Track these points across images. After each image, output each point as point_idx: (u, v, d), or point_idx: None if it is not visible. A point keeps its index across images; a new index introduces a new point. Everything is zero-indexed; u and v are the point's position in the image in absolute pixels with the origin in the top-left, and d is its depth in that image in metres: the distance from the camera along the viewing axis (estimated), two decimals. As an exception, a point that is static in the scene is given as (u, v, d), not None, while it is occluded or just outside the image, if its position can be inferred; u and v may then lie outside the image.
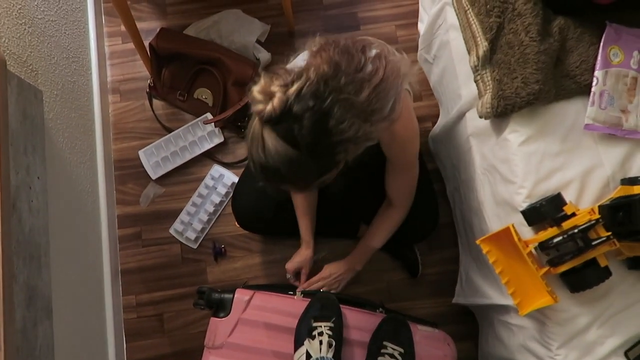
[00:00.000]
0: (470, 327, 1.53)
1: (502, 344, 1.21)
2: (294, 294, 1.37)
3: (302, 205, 1.37)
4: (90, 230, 1.51)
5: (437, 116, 1.58)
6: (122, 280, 1.61)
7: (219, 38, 1.67)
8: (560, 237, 0.92)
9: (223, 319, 1.33)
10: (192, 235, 1.61)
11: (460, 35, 1.20)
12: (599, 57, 1.03)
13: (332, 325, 1.23)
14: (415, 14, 1.69)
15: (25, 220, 1.10)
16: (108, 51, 1.75)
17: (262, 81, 0.83)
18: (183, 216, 1.62)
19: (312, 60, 0.86)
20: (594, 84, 1.02)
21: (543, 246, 0.95)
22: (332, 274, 1.42)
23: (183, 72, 1.63)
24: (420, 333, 1.34)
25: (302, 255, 1.43)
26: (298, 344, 1.24)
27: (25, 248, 1.09)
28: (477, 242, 1.01)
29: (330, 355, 1.17)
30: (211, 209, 1.61)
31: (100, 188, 1.58)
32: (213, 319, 1.34)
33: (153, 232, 1.64)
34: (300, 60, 1.05)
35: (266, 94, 0.81)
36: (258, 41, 1.70)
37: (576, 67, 1.03)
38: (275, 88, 0.81)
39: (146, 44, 1.63)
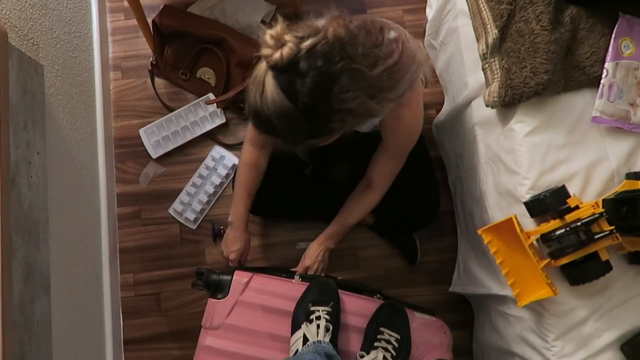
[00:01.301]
0: (467, 315, 1.54)
1: (498, 334, 1.22)
2: (292, 277, 1.37)
3: (249, 186, 1.30)
4: (90, 208, 1.50)
5: (442, 104, 1.57)
6: (120, 259, 1.61)
7: (224, 17, 1.64)
8: (563, 230, 0.92)
9: (221, 300, 1.33)
10: (191, 216, 1.60)
11: (469, 22, 1.18)
12: (610, 49, 1.01)
13: (329, 310, 1.23)
14: (423, -1, 1.67)
15: (24, 195, 1.09)
16: (110, 27, 1.72)
17: (277, 27, 0.81)
18: (183, 196, 1.61)
19: (328, 23, 0.83)
20: (603, 75, 1.01)
21: (545, 238, 0.94)
22: (317, 252, 1.38)
23: (186, 51, 1.61)
24: (417, 320, 1.35)
25: (242, 240, 1.36)
26: (295, 328, 1.24)
27: (24, 224, 1.08)
28: (479, 232, 1.01)
29: (327, 339, 1.18)
30: (211, 190, 1.60)
31: (100, 166, 1.57)
32: (211, 300, 1.34)
33: (152, 212, 1.63)
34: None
35: (278, 40, 0.79)
36: (263, 21, 1.68)
37: (586, 58, 1.02)
38: (289, 37, 0.79)
39: (149, 20, 1.60)
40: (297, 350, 1.17)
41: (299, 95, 0.80)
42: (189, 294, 1.58)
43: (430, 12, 1.46)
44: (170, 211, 1.62)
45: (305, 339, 1.18)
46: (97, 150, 1.56)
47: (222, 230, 1.61)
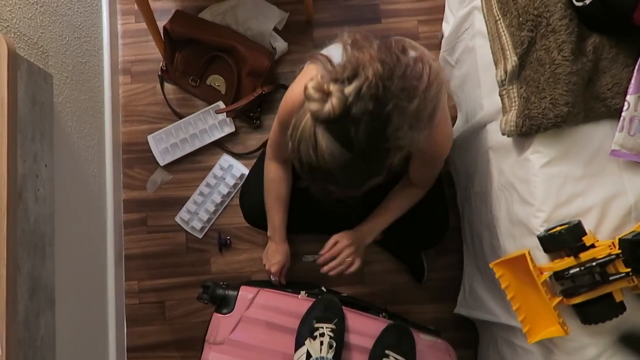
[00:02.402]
0: (472, 334, 1.52)
1: (504, 362, 1.20)
2: (299, 293, 1.36)
3: (281, 198, 1.28)
4: (96, 215, 1.49)
5: (454, 118, 1.54)
6: (126, 266, 1.61)
7: (235, 24, 1.62)
8: (577, 269, 0.90)
9: (226, 315, 1.33)
10: (197, 225, 1.59)
11: (487, 43, 1.15)
12: (633, 80, 0.98)
13: (333, 327, 1.23)
14: (439, 10, 1.63)
15: (31, 209, 1.08)
16: (121, 30, 1.71)
17: (317, 77, 0.79)
18: (190, 205, 1.60)
19: (359, 55, 0.81)
20: (624, 108, 0.97)
21: (558, 276, 0.92)
22: (343, 244, 1.26)
23: (196, 58, 1.59)
24: (422, 342, 1.33)
25: (282, 252, 1.35)
26: (299, 344, 1.24)
27: (30, 238, 1.07)
28: (490, 265, 0.99)
29: (330, 355, 1.17)
30: (218, 199, 1.59)
31: (108, 172, 1.56)
32: (216, 315, 1.34)
33: (159, 219, 1.63)
34: (334, 52, 0.99)
35: (323, 92, 0.78)
36: (275, 29, 1.65)
37: (607, 90, 0.99)
38: (332, 87, 0.77)
39: (160, 24, 1.58)
40: None
41: (355, 142, 0.79)
42: (193, 303, 1.58)
43: (446, 28, 1.43)
44: (177, 219, 1.61)
45: (309, 355, 1.17)
46: (104, 156, 1.55)
47: (228, 241, 1.60)
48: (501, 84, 1.07)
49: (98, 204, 1.50)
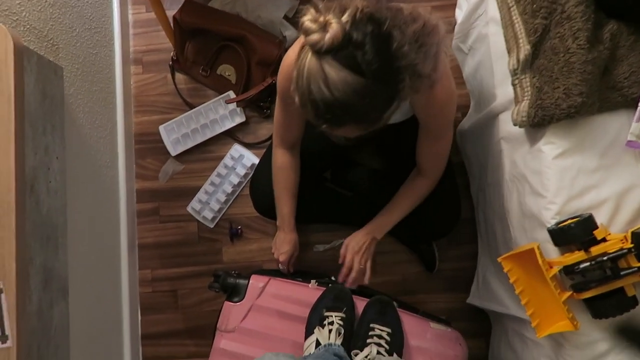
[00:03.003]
0: (484, 324, 1.51)
1: (514, 354, 1.19)
2: (309, 282, 1.37)
3: (289, 187, 1.27)
4: (109, 205, 1.51)
5: (468, 106, 1.51)
6: (139, 255, 1.63)
7: (245, 12, 1.60)
8: (588, 264, 0.88)
9: (237, 303, 1.34)
10: (209, 214, 1.60)
11: (500, 30, 1.12)
12: (651, 69, 0.94)
13: (343, 315, 1.24)
14: (453, -5, 1.59)
15: (43, 201, 1.09)
16: (131, 20, 1.70)
17: (311, 11, 0.78)
18: (201, 195, 1.61)
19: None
20: (642, 98, 0.94)
21: (568, 270, 0.91)
22: (362, 242, 1.27)
23: (207, 48, 1.58)
24: (432, 331, 1.33)
25: (291, 242, 1.35)
26: (309, 333, 1.25)
27: (43, 230, 1.09)
28: (499, 260, 0.97)
29: (338, 342, 1.18)
30: (229, 189, 1.60)
31: (120, 162, 1.57)
32: (227, 303, 1.35)
33: (171, 209, 1.64)
34: None
35: (319, 23, 0.76)
36: (286, 17, 1.63)
37: (625, 79, 0.95)
38: (329, 16, 0.76)
39: (171, 13, 1.57)
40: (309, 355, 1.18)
41: (365, 65, 0.77)
42: (205, 292, 1.59)
43: (459, 14, 1.40)
44: (189, 209, 1.62)
45: (318, 343, 1.18)
46: (117, 147, 1.57)
47: (239, 230, 1.61)
48: (514, 73, 1.04)
49: (111, 194, 1.52)
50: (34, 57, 1.08)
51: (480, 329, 1.52)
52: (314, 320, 1.26)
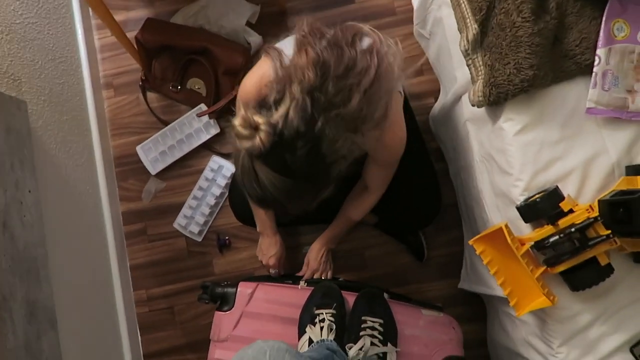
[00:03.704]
0: (479, 308, 1.50)
1: (506, 335, 1.18)
2: (298, 283, 1.37)
3: None
4: (94, 230, 1.52)
5: (437, 92, 1.50)
6: (132, 276, 1.64)
7: (208, 24, 1.60)
8: (556, 237, 0.87)
9: (227, 312, 1.35)
10: (195, 228, 1.60)
11: (452, 12, 1.11)
12: (602, 33, 0.93)
13: (334, 311, 1.24)
14: (413, -17, 1.58)
15: (18, 237, 1.10)
16: (98, 45, 1.71)
17: (241, 111, 0.79)
18: (185, 210, 1.62)
19: (296, 59, 0.81)
20: (595, 63, 0.93)
21: (539, 246, 0.90)
22: (320, 255, 1.40)
23: (173, 64, 1.59)
24: (425, 318, 1.33)
25: (276, 244, 1.38)
26: (301, 332, 1.25)
27: (21, 264, 1.10)
28: (470, 242, 0.97)
29: (331, 337, 1.18)
30: (212, 201, 1.60)
31: (102, 187, 1.58)
32: (217, 313, 1.36)
33: (158, 227, 1.65)
34: (287, 45, 0.98)
35: (250, 127, 0.77)
36: (249, 23, 1.63)
37: (576, 46, 0.94)
38: (259, 119, 0.76)
39: (134, 34, 1.58)
40: None
41: (294, 167, 0.79)
42: (201, 305, 1.60)
43: (415, 0, 1.39)
44: (175, 225, 1.63)
45: (311, 341, 1.18)
46: (96, 173, 1.57)
47: (227, 241, 1.61)
48: (466, 54, 1.03)
49: (95, 219, 1.53)
50: (-8, 95, 1.09)
51: (476, 312, 1.51)
52: (306, 319, 1.26)
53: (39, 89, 1.34)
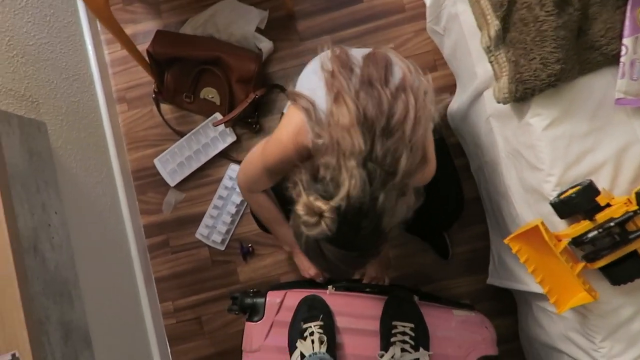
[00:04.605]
0: (509, 302, 1.50)
1: (542, 329, 1.17)
2: (326, 288, 1.36)
3: (275, 217, 1.27)
4: (118, 245, 1.52)
5: (454, 86, 1.49)
6: (157, 288, 1.64)
7: (217, 32, 1.60)
8: (595, 232, 0.86)
9: (257, 322, 1.35)
10: (217, 238, 1.60)
11: (469, 8, 1.10)
12: (627, 22, 0.91)
13: (321, 323, 1.23)
14: (422, -22, 1.56)
15: (49, 259, 1.10)
16: (109, 59, 1.71)
17: (303, 197, 0.81)
18: (207, 220, 1.62)
19: (335, 114, 0.82)
20: (622, 53, 0.92)
21: (577, 242, 0.89)
22: (370, 277, 1.43)
23: (185, 74, 1.58)
24: (457, 319, 1.32)
25: None
26: (292, 349, 1.24)
27: (54, 287, 1.10)
28: (505, 241, 0.96)
29: (323, 349, 1.17)
30: (233, 209, 1.60)
31: (122, 202, 1.58)
32: (248, 324, 1.35)
33: (180, 238, 1.65)
34: (312, 79, 0.97)
35: (314, 214, 0.80)
36: (258, 29, 1.62)
37: (601, 37, 0.93)
38: (322, 205, 0.79)
39: (144, 46, 1.57)
40: None
41: (359, 244, 0.83)
42: (228, 314, 1.59)
43: (428, -3, 1.37)
44: (197, 236, 1.63)
45: (302, 356, 1.18)
46: (116, 188, 1.58)
47: (250, 248, 1.61)
48: (488, 51, 1.02)
49: (118, 234, 1.53)
50: (14, 120, 1.09)
51: (506, 306, 1.50)
52: (295, 335, 1.25)
53: (56, 109, 1.34)
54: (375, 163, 0.79)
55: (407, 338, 1.19)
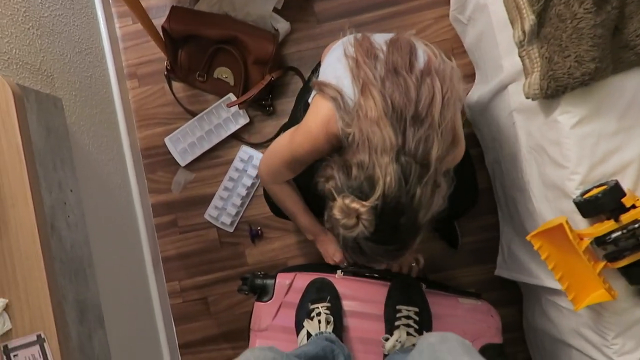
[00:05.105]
0: (515, 292, 1.52)
1: (550, 322, 1.19)
2: (335, 272, 1.37)
3: (297, 206, 1.26)
4: (128, 224, 1.51)
5: (472, 75, 1.48)
6: (165, 267, 1.64)
7: (233, 11, 1.56)
8: (619, 233, 0.87)
9: (267, 302, 1.36)
10: (227, 219, 1.60)
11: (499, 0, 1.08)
12: (663, 23, 0.91)
13: (329, 304, 1.25)
14: (445, -37, 1.54)
15: (65, 238, 1.09)
16: (120, 34, 1.67)
17: (338, 201, 0.81)
18: (216, 201, 1.61)
19: (363, 107, 0.82)
20: (656, 54, 0.91)
21: (600, 241, 0.89)
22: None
23: (200, 53, 1.55)
24: (462, 307, 1.33)
25: (332, 241, 1.35)
26: (299, 328, 1.25)
27: (70, 266, 1.09)
28: (527, 238, 0.96)
29: (329, 329, 1.19)
30: (243, 192, 1.59)
31: (132, 180, 1.56)
32: (257, 304, 1.36)
33: (188, 219, 1.64)
34: (336, 63, 0.96)
35: (350, 214, 0.80)
36: (275, 9, 1.59)
37: (637, 36, 0.92)
38: (358, 206, 0.79)
39: (157, 21, 1.53)
40: None
41: (397, 239, 0.84)
42: (234, 295, 1.61)
43: (453, -16, 1.35)
44: (206, 216, 1.62)
45: (309, 335, 1.19)
46: (126, 166, 1.56)
47: (259, 231, 1.61)
48: (520, 45, 1.01)
49: (128, 213, 1.52)
50: (32, 95, 1.06)
51: (512, 296, 1.52)
52: (302, 315, 1.26)
53: (70, 84, 1.31)
54: (409, 156, 0.79)
55: (411, 322, 1.21)
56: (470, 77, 1.50)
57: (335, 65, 0.97)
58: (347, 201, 0.80)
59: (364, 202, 0.79)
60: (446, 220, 1.50)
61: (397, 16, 1.59)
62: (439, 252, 1.58)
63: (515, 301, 1.52)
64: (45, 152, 1.07)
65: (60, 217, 1.09)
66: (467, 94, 1.45)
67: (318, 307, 1.23)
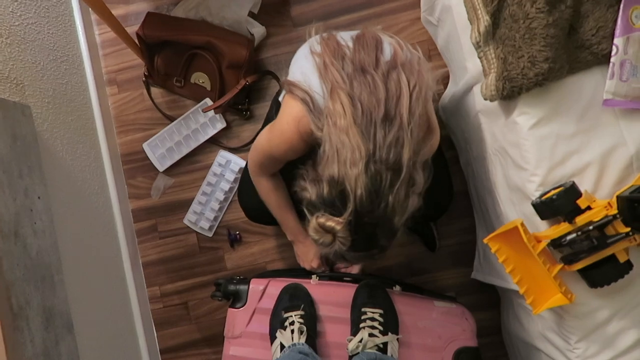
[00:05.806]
0: (494, 296, 1.50)
1: (522, 326, 1.18)
2: (310, 277, 1.36)
3: (283, 203, 1.26)
4: (106, 230, 1.52)
5: (448, 78, 1.47)
6: (145, 273, 1.65)
7: (210, 16, 1.57)
8: (574, 235, 0.85)
9: (240, 309, 1.35)
10: (205, 224, 1.60)
11: (462, 1, 1.08)
12: (619, 21, 0.89)
13: (302, 312, 1.24)
14: (417, -35, 1.53)
15: (30, 244, 1.10)
16: (99, 40, 1.68)
17: (312, 221, 0.85)
18: (195, 206, 1.61)
19: (332, 109, 0.82)
20: (613, 53, 0.90)
21: (555, 244, 0.88)
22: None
23: (176, 58, 1.56)
24: (437, 309, 1.32)
25: (310, 246, 1.35)
26: (273, 338, 1.24)
27: (36, 272, 1.10)
28: (484, 241, 0.95)
29: (302, 340, 1.18)
30: (221, 196, 1.59)
31: (110, 186, 1.57)
32: (230, 310, 1.36)
33: (168, 224, 1.65)
34: (302, 60, 0.97)
35: (326, 232, 0.83)
36: (251, 13, 1.59)
37: (592, 35, 0.91)
38: (332, 224, 0.82)
39: (135, 28, 1.55)
40: None
41: (375, 245, 0.88)
42: (214, 300, 1.60)
43: (422, -14, 1.34)
44: (185, 222, 1.63)
45: (282, 346, 1.18)
46: (104, 172, 1.57)
47: (238, 236, 1.61)
48: (477, 46, 1.00)
49: (106, 219, 1.53)
50: (-4, 104, 1.08)
51: (491, 300, 1.50)
52: (275, 324, 1.25)
53: (43, 91, 1.32)
54: (380, 163, 0.79)
55: (376, 324, 1.20)
56: (447, 78, 1.49)
57: (302, 63, 0.98)
58: (321, 220, 0.82)
59: (338, 219, 0.81)
60: (423, 222, 1.49)
61: (372, 19, 1.59)
62: (418, 255, 1.57)
63: (494, 304, 1.51)
64: (10, 159, 1.09)
65: (25, 224, 1.10)
66: (442, 95, 1.44)
67: (292, 316, 1.23)
